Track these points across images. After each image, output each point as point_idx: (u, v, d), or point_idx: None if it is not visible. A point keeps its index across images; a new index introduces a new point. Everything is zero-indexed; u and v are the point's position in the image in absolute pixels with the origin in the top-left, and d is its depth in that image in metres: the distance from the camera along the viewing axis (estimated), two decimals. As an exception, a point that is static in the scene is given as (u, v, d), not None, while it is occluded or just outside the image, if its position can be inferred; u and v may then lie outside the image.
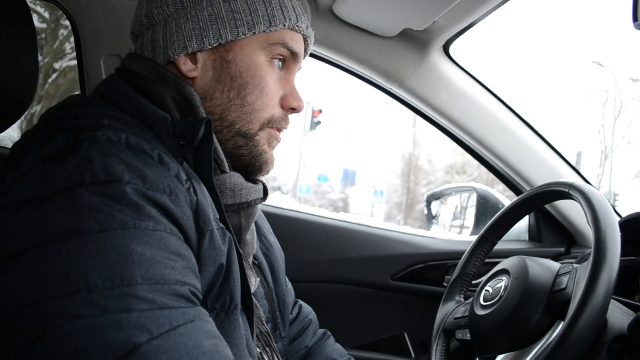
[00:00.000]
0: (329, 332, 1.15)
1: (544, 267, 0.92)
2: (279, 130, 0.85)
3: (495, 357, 1.01)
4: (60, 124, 0.66)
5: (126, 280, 0.53)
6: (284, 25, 0.80)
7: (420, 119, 1.51)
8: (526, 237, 1.66)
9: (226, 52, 0.78)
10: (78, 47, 1.51)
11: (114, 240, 0.55)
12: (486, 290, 0.98)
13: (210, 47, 0.77)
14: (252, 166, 0.82)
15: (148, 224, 0.58)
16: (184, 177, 0.66)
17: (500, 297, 0.93)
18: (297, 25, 0.82)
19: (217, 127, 0.79)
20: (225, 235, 0.70)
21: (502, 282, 0.96)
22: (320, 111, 19.33)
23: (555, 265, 0.93)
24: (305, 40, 0.85)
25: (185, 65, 0.78)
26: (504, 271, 0.98)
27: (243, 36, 0.78)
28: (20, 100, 0.86)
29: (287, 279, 1.09)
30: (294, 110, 0.84)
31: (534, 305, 0.87)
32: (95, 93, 0.78)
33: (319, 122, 19.39)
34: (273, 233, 1.07)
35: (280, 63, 0.82)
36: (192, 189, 0.66)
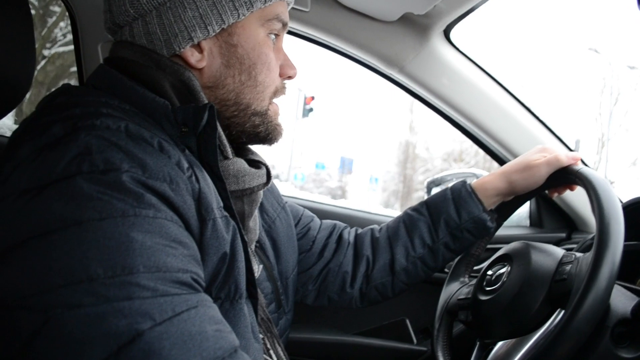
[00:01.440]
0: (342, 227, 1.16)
1: (546, 254, 0.92)
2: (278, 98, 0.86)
3: (496, 342, 1.01)
4: (58, 112, 0.65)
5: (127, 269, 0.53)
6: None
7: (417, 105, 1.51)
8: (527, 222, 1.65)
9: (229, 35, 0.77)
10: (75, 34, 1.50)
11: (114, 229, 0.54)
12: (488, 275, 0.98)
13: (214, 33, 0.76)
14: (267, 140, 0.84)
15: (149, 212, 0.57)
16: (186, 165, 0.65)
17: (502, 283, 0.93)
18: None
19: (233, 112, 0.79)
20: (229, 224, 0.69)
21: (504, 268, 0.96)
22: (313, 98, 19.17)
23: (559, 252, 0.93)
24: (288, 4, 0.86)
25: (193, 56, 0.76)
26: (506, 256, 0.98)
27: (243, 16, 0.76)
28: (17, 88, 0.85)
29: (310, 215, 1.13)
30: (290, 77, 0.86)
31: (536, 293, 0.87)
32: (87, 84, 0.76)
33: (311, 109, 19.27)
34: (282, 202, 1.05)
35: (274, 36, 0.82)
36: (194, 177, 0.65)
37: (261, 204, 0.99)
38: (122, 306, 0.51)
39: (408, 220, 1.10)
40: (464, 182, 1.07)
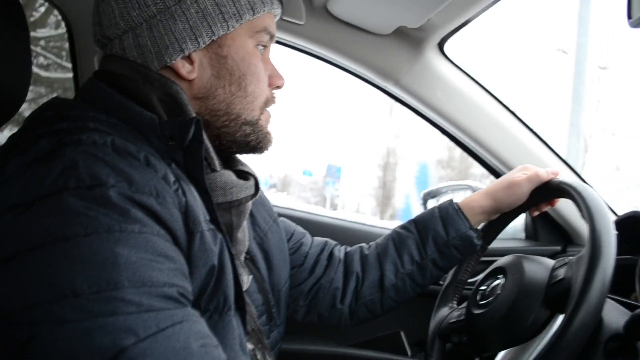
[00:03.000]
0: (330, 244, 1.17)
1: (539, 264, 0.93)
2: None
3: (495, 355, 1.00)
4: (46, 127, 0.65)
5: (112, 284, 0.53)
6: (264, 10, 0.81)
7: (397, 109, 1.51)
8: (522, 235, 1.65)
9: (220, 47, 0.78)
10: (71, 45, 1.50)
11: (100, 245, 0.54)
12: (482, 289, 0.98)
13: (204, 45, 0.76)
14: (258, 148, 0.85)
15: (134, 227, 0.57)
16: (172, 179, 0.65)
17: (497, 295, 0.93)
18: (273, 9, 0.84)
19: (224, 122, 0.80)
20: (216, 237, 0.69)
21: (498, 281, 0.96)
22: None
23: (551, 261, 0.94)
24: (275, 17, 0.87)
25: (184, 67, 0.76)
26: (499, 270, 0.98)
27: (232, 29, 0.77)
28: (13, 98, 0.85)
29: (303, 232, 1.14)
30: (278, 87, 0.87)
31: (531, 301, 0.87)
32: (76, 98, 0.76)
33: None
34: (274, 216, 1.06)
35: (262, 48, 0.83)
36: (180, 190, 0.65)
37: (253, 216, 0.99)
38: (106, 322, 0.51)
39: (397, 238, 1.11)
40: (451, 201, 1.09)
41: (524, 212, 1.10)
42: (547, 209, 1.11)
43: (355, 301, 1.09)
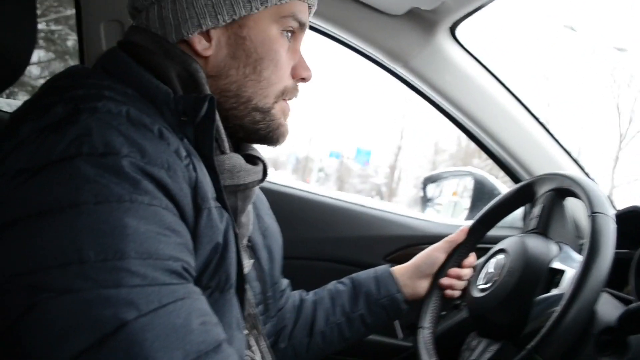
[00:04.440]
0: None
1: (541, 242, 0.95)
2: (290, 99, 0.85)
3: (498, 338, 1.01)
4: (61, 93, 0.65)
5: (119, 254, 0.53)
6: None
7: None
8: (521, 224, 1.66)
9: (240, 28, 0.76)
10: (78, 12, 1.49)
11: (109, 213, 0.54)
12: (486, 271, 0.99)
13: (224, 23, 0.75)
14: (269, 139, 0.83)
15: (144, 199, 0.57)
16: (184, 154, 0.65)
17: (500, 275, 0.94)
18: None
19: (233, 104, 0.78)
20: (222, 215, 0.69)
21: (501, 261, 0.97)
22: None
23: (551, 241, 0.97)
24: (309, 7, 0.84)
25: (200, 43, 0.76)
26: (501, 251, 0.99)
27: (256, 10, 0.76)
28: (16, 62, 0.85)
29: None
30: (304, 80, 0.84)
31: (535, 279, 0.89)
32: (96, 65, 0.76)
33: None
34: (271, 213, 1.08)
35: (290, 34, 0.81)
36: (191, 166, 0.65)
37: (257, 207, 1.00)
38: (109, 294, 0.51)
39: (334, 289, 1.16)
40: (388, 265, 1.17)
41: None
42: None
43: (287, 341, 1.12)
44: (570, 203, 1.40)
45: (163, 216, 0.58)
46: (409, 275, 1.14)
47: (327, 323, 1.12)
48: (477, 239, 1.15)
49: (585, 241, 0.80)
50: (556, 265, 0.95)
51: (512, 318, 0.89)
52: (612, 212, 0.84)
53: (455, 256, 1.13)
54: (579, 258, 0.84)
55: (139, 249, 0.54)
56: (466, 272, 1.11)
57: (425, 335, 1.06)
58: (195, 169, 0.66)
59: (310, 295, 1.17)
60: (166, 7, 0.75)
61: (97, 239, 0.53)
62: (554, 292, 0.94)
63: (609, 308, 0.81)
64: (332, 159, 23.51)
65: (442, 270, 1.12)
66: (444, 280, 1.11)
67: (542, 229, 1.01)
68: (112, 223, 0.54)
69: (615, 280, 1.01)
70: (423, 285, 1.13)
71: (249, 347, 0.86)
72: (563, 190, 1.01)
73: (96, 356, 0.49)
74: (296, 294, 1.17)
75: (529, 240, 0.97)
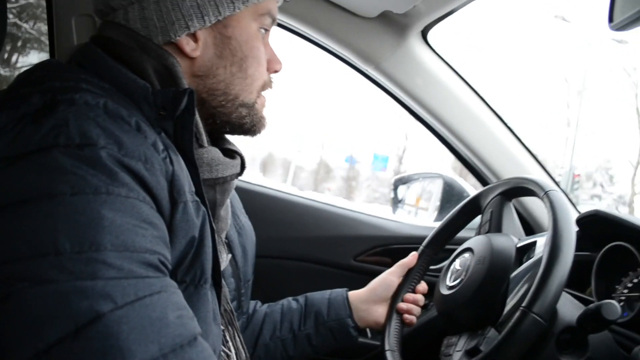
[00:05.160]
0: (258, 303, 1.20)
1: (506, 237, 0.99)
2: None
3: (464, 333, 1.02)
4: (38, 84, 0.64)
5: (95, 246, 0.53)
6: None
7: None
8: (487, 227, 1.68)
9: (224, 27, 0.77)
10: (49, 5, 1.46)
11: (86, 205, 0.54)
12: (453, 269, 1.02)
13: (210, 24, 0.76)
14: (252, 131, 0.85)
15: (121, 191, 0.57)
16: (161, 147, 0.65)
17: (467, 272, 0.96)
18: None
19: (221, 101, 0.80)
20: (199, 209, 0.69)
21: (466, 260, 0.99)
22: (579, 175, 17.80)
23: (515, 239, 1.00)
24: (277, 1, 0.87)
25: (189, 45, 0.76)
26: (467, 250, 1.02)
27: (239, 10, 0.77)
28: None
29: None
30: (276, 71, 0.87)
31: (501, 274, 0.91)
32: (71, 60, 0.76)
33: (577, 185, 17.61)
34: (244, 212, 1.08)
35: (264, 31, 0.83)
36: (168, 159, 0.65)
37: (232, 205, 1.00)
38: (85, 286, 0.51)
39: (286, 305, 1.17)
40: (344, 290, 1.17)
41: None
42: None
43: None
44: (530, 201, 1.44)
45: (140, 209, 0.58)
46: (364, 299, 1.15)
47: (272, 337, 1.13)
48: (428, 261, 1.18)
49: (546, 244, 0.83)
50: (523, 243, 0.99)
51: (489, 304, 0.91)
52: (573, 217, 0.87)
53: (409, 280, 1.16)
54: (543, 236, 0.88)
55: (115, 241, 0.54)
56: (421, 297, 1.14)
57: (394, 356, 1.07)
58: (172, 163, 0.66)
59: (263, 307, 1.18)
60: (149, 8, 0.74)
61: (73, 230, 0.53)
62: (528, 263, 0.98)
63: (569, 308, 0.83)
64: (347, 165, 23.35)
65: (398, 295, 1.15)
66: (402, 305, 1.13)
67: (496, 231, 1.05)
68: (88, 215, 0.54)
69: (577, 283, 1.04)
70: (378, 310, 1.14)
71: (225, 342, 0.86)
72: (509, 191, 1.06)
73: (71, 347, 0.49)
74: (251, 304, 1.18)
75: (490, 235, 1.00)
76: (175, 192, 0.65)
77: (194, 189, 0.70)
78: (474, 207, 1.14)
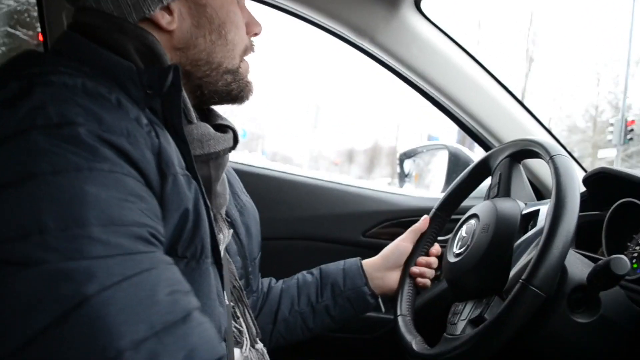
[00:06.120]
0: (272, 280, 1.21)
1: (511, 202, 0.98)
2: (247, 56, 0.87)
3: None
4: (16, 72, 0.63)
5: (80, 221, 0.52)
6: None
7: None
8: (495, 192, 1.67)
9: None
10: (39, 2, 1.46)
11: (68, 182, 0.53)
12: (460, 236, 1.02)
13: None
14: (239, 98, 0.85)
15: (103, 166, 0.56)
16: (145, 121, 0.64)
17: (473, 238, 0.96)
18: None
19: (205, 71, 0.79)
20: (191, 183, 0.69)
21: (473, 225, 0.99)
22: (634, 121, 16.92)
23: (521, 203, 0.99)
24: None
25: (164, 19, 0.74)
26: (472, 215, 1.02)
27: None
28: None
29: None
30: (256, 34, 0.87)
31: (507, 239, 0.91)
32: (51, 49, 0.75)
33: (631, 134, 16.91)
34: (246, 192, 1.08)
35: None
36: (153, 132, 0.65)
37: (231, 185, 1.00)
38: (70, 267, 0.50)
39: (301, 279, 1.18)
40: (358, 259, 1.18)
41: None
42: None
43: None
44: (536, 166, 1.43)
45: (125, 182, 0.58)
46: (377, 267, 1.16)
47: (291, 312, 1.14)
48: (441, 225, 1.19)
49: (550, 203, 0.82)
50: (528, 210, 0.97)
51: (493, 272, 0.91)
52: (577, 175, 0.86)
53: (422, 245, 1.17)
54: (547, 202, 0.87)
55: (100, 216, 0.53)
56: (434, 260, 1.15)
57: (405, 321, 1.08)
58: (158, 136, 0.65)
59: (278, 284, 1.19)
60: None
61: (56, 208, 0.52)
62: (531, 232, 0.97)
63: (579, 267, 0.82)
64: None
65: (411, 259, 1.15)
66: (415, 269, 1.13)
67: (505, 194, 1.04)
68: (71, 192, 0.53)
69: (588, 243, 1.03)
70: (393, 277, 1.15)
71: (236, 318, 0.87)
72: (517, 153, 1.04)
73: (59, 332, 0.48)
74: (265, 281, 1.18)
75: (496, 200, 1.00)
76: (163, 164, 0.64)
77: (184, 165, 0.69)
78: (483, 169, 1.14)
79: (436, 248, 1.17)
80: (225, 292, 0.79)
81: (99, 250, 0.52)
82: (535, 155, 0.98)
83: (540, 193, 1.58)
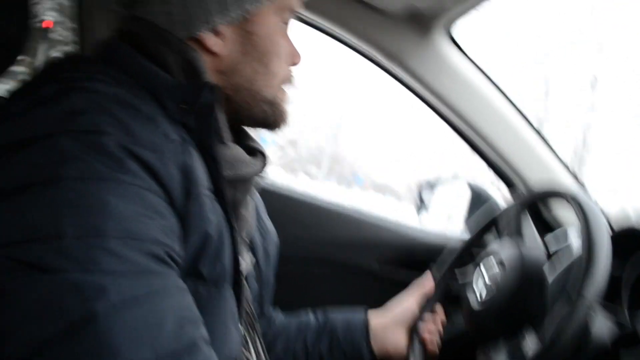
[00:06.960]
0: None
1: (536, 250, 0.98)
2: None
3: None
4: (55, 74, 0.65)
5: (97, 231, 0.51)
6: None
7: None
8: None
9: (247, 23, 0.75)
10: (78, 2, 1.49)
11: (91, 190, 0.53)
12: (479, 283, 1.01)
13: (232, 20, 0.74)
14: (275, 125, 0.84)
15: (126, 178, 0.56)
16: (175, 137, 0.64)
17: (497, 285, 0.95)
18: None
19: (245, 97, 0.78)
20: (215, 205, 0.67)
21: (492, 266, 0.98)
22: None
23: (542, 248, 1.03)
24: None
25: (211, 40, 0.74)
26: (491, 254, 1.01)
27: (262, 5, 0.75)
28: (8, 47, 0.84)
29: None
30: (295, 64, 0.86)
31: (533, 286, 0.91)
32: (94, 55, 0.75)
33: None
34: (268, 217, 1.07)
35: (285, 25, 0.82)
36: (181, 148, 0.64)
37: (258, 212, 0.99)
38: (83, 280, 0.49)
39: (304, 320, 1.15)
40: (364, 313, 1.15)
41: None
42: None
43: None
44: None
45: (145, 197, 0.57)
46: (384, 324, 1.13)
47: (286, 351, 1.11)
48: (445, 290, 1.18)
49: (582, 258, 0.83)
50: (555, 247, 1.00)
51: (528, 310, 0.91)
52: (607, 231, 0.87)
53: (427, 307, 1.15)
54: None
55: (117, 227, 0.52)
56: (440, 327, 1.14)
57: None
58: (186, 154, 0.64)
59: (280, 317, 1.16)
60: (171, 2, 0.73)
61: (76, 214, 0.52)
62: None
63: (602, 328, 0.82)
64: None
65: (417, 324, 1.13)
66: (425, 335, 1.11)
67: (516, 233, 1.05)
68: (91, 200, 0.53)
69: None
70: (397, 335, 1.12)
71: (246, 345, 0.85)
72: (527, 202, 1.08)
73: (61, 345, 0.47)
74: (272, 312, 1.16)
75: (524, 247, 0.98)
76: (189, 183, 0.63)
77: (212, 186, 0.68)
78: (492, 224, 1.15)
79: (441, 317, 1.16)
80: (241, 318, 0.78)
81: (112, 264, 0.51)
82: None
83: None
